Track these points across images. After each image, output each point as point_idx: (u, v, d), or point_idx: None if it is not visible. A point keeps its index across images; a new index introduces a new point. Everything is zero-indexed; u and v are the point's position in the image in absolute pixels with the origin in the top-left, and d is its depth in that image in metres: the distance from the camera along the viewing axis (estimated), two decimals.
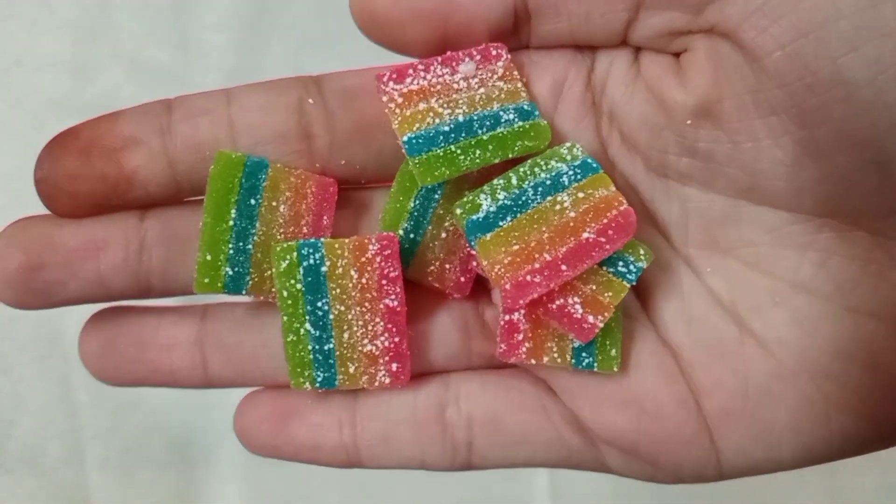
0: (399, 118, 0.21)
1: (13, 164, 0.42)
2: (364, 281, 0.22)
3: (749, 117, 0.20)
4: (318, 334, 0.22)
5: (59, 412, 0.42)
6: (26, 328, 0.42)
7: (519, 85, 0.22)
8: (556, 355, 0.22)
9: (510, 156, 0.22)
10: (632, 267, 0.22)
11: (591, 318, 0.21)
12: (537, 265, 0.21)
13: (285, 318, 0.22)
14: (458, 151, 0.21)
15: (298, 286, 0.21)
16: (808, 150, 0.20)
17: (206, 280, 0.21)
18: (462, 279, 0.23)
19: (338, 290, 0.22)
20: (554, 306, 0.21)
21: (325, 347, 0.22)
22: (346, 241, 0.22)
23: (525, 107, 0.22)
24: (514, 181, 0.21)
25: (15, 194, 0.41)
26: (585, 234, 0.21)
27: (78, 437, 0.42)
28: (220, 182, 0.21)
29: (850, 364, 0.21)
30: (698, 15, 0.20)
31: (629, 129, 0.23)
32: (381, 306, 0.22)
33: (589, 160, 0.22)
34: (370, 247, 0.22)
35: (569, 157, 0.22)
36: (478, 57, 0.22)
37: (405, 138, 0.21)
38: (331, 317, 0.22)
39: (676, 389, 0.22)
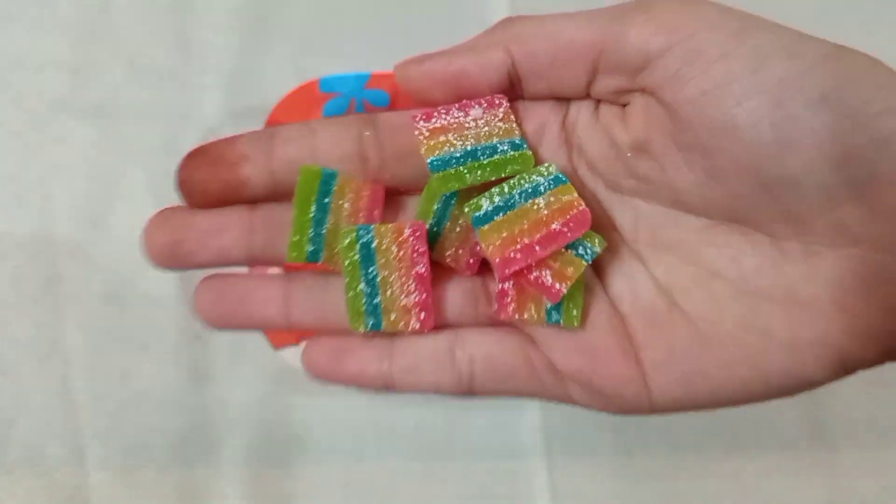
0: (426, 146, 0.27)
1: (13, 163, 0.46)
2: (401, 254, 0.28)
3: (671, 152, 0.26)
4: (369, 291, 0.28)
5: (59, 412, 0.45)
6: (26, 328, 0.45)
7: (513, 125, 0.28)
8: (534, 313, 0.27)
9: (503, 175, 0.27)
10: (589, 250, 0.27)
11: (558, 285, 0.26)
12: (519, 247, 0.26)
13: (347, 279, 0.28)
14: (466, 171, 0.27)
15: (356, 257, 0.28)
16: (711, 175, 0.25)
17: (295, 253, 0.27)
18: (471, 261, 0.29)
19: (383, 261, 0.28)
20: (532, 276, 0.27)
21: (374, 301, 0.28)
22: (390, 225, 0.28)
23: (517, 141, 0.28)
24: (506, 189, 0.27)
25: (14, 194, 0.46)
26: (554, 226, 0.26)
27: (78, 437, 0.45)
28: (304, 186, 0.27)
29: (750, 332, 0.26)
30: (634, 78, 0.26)
31: (592, 159, 0.28)
32: (413, 272, 0.28)
33: (560, 175, 0.27)
34: (406, 230, 0.28)
35: (545, 174, 0.27)
36: (484, 104, 0.28)
37: (429, 160, 0.27)
38: (378, 279, 0.28)
39: (621, 344, 0.28)
